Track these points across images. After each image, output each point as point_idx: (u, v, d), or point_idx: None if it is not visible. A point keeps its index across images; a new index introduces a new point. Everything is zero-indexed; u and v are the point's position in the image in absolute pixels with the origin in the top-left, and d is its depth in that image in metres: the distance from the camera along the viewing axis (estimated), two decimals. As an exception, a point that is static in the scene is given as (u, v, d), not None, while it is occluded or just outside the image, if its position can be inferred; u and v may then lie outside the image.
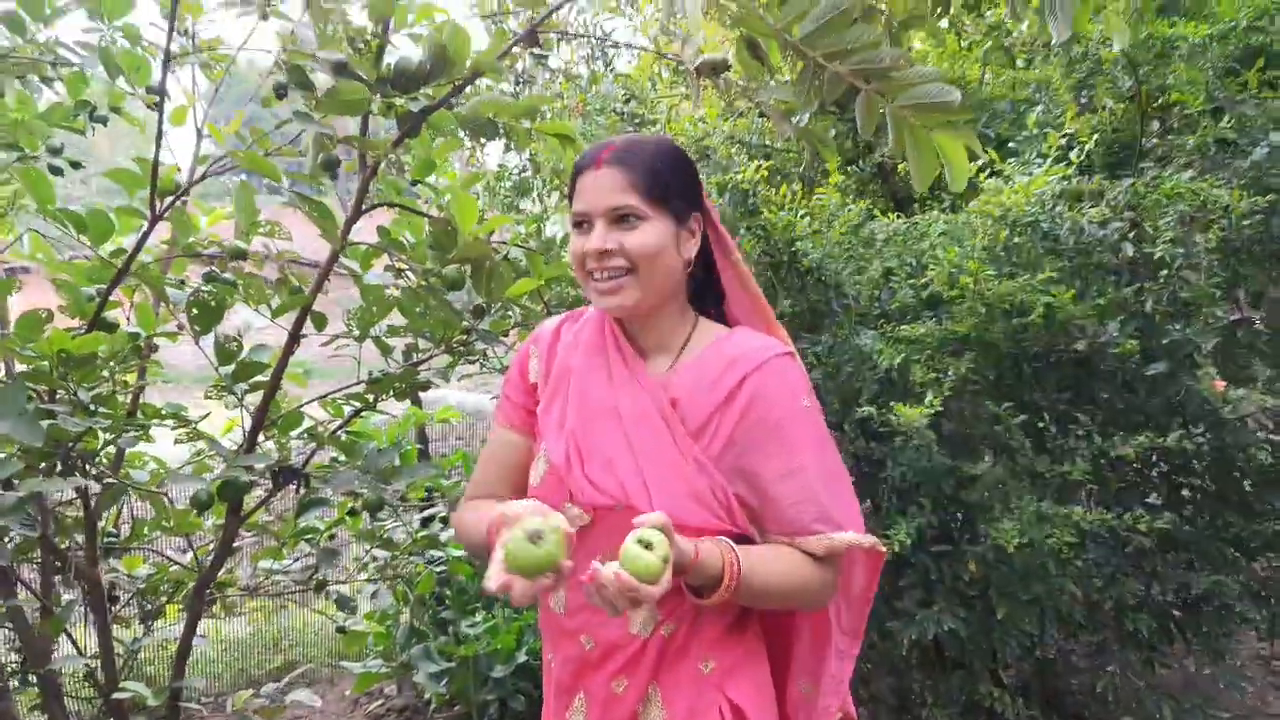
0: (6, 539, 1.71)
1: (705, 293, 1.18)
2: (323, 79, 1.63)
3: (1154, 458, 2.23)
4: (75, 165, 2.33)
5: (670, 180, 1.06)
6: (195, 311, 1.92)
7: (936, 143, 1.49)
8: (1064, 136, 1.92)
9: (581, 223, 1.08)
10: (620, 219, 1.05)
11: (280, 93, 1.59)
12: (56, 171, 2.33)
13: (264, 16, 2.19)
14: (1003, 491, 1.95)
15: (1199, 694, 2.38)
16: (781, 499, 1.04)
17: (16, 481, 1.65)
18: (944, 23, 2.63)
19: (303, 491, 2.08)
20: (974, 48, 2.59)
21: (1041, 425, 1.97)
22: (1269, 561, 2.37)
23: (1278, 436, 2.18)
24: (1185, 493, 2.36)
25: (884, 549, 1.13)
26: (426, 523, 2.41)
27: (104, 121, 2.40)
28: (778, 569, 1.03)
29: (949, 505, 2.12)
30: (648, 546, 0.90)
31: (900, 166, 2.73)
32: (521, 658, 2.73)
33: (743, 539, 1.05)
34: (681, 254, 1.09)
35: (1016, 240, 2.02)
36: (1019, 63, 2.71)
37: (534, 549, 0.90)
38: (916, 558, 2.08)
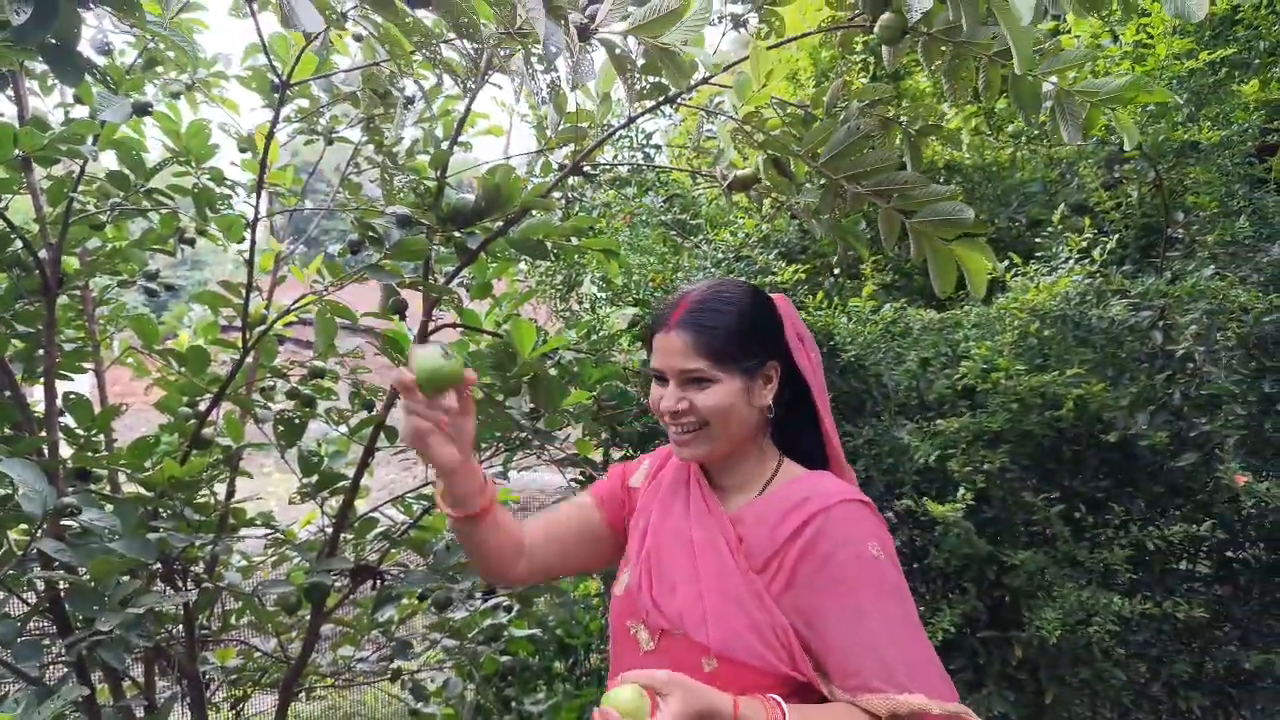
0: (125, 649, 1.89)
1: (800, 429, 1.19)
2: (389, 229, 1.82)
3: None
4: (169, 288, 2.57)
5: (740, 340, 1.10)
6: (281, 428, 2.12)
7: (955, 254, 1.60)
8: (1086, 238, 2.00)
9: (659, 376, 1.15)
10: (691, 380, 1.10)
11: (354, 248, 1.78)
12: (152, 294, 2.57)
13: (329, 143, 2.43)
14: (1044, 579, 2.01)
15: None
16: (839, 649, 1.00)
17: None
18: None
19: (379, 587, 2.25)
20: (1001, 129, 2.69)
21: (1079, 515, 2.03)
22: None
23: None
24: (1235, 565, 2.38)
25: None
26: (490, 610, 2.55)
27: (191, 243, 2.64)
28: None
29: (994, 590, 2.18)
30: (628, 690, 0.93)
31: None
32: (583, 734, 2.82)
33: (808, 688, 1.02)
34: (755, 404, 1.12)
35: (1047, 333, 2.10)
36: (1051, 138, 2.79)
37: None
38: (964, 642, 2.14)
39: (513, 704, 3.00)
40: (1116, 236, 2.05)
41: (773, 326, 1.15)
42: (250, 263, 1.97)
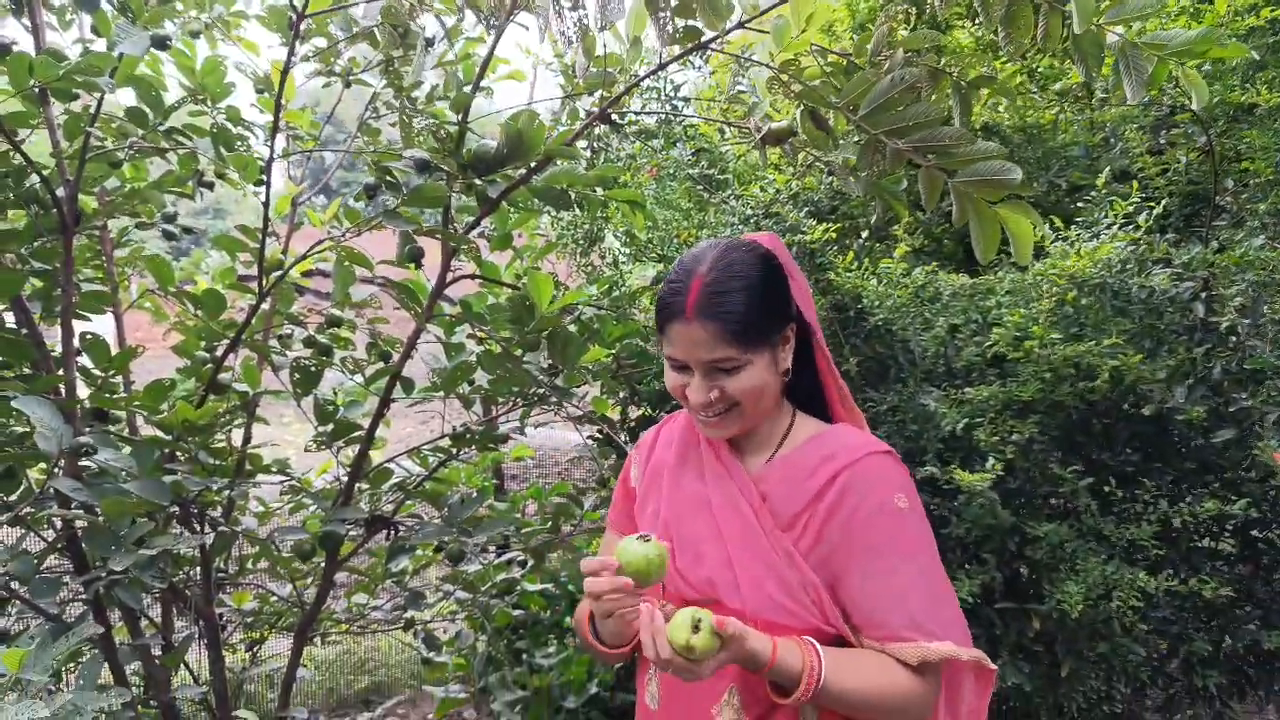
0: (140, 589, 1.90)
1: (800, 369, 1.16)
2: (407, 173, 1.76)
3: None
4: (188, 231, 2.53)
5: (760, 317, 1.04)
6: (298, 376, 2.10)
7: (1000, 216, 1.53)
8: (1132, 203, 1.92)
9: (679, 365, 1.08)
10: (719, 369, 1.05)
11: (371, 193, 1.73)
12: (171, 236, 2.54)
13: (347, 85, 2.36)
14: (1067, 552, 1.97)
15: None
16: (868, 601, 1.01)
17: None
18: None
19: (393, 538, 2.25)
20: (1047, 87, 2.58)
21: (1108, 489, 1.98)
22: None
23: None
24: (1260, 545, 2.33)
25: (993, 667, 1.05)
26: (503, 564, 2.55)
27: (210, 186, 2.60)
28: (867, 675, 0.98)
29: (1014, 562, 2.14)
30: (696, 628, 0.91)
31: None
32: (593, 689, 2.84)
33: (839, 642, 1.03)
34: (779, 370, 1.09)
35: (1084, 301, 2.03)
36: (1095, 100, 2.68)
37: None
38: (981, 613, 2.12)
39: (524, 656, 3.03)
40: (1162, 203, 1.96)
41: (783, 286, 1.10)
42: (266, 204, 1.93)
